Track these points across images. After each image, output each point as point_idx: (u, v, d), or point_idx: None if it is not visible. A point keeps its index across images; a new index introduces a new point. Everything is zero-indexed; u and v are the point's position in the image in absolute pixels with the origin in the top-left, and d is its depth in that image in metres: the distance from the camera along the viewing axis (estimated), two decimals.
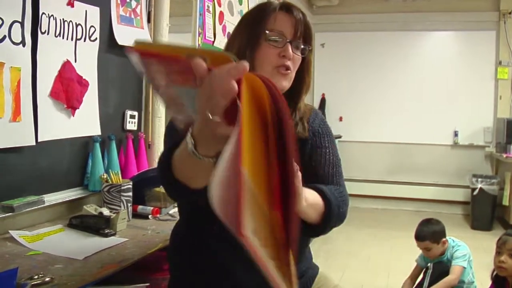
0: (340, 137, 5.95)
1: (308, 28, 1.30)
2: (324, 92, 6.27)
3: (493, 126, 5.98)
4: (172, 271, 1.47)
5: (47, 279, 1.30)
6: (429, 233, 2.95)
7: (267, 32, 1.24)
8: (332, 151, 1.41)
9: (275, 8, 1.27)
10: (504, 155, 5.28)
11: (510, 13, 5.77)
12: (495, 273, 2.46)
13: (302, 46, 1.29)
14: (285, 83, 1.27)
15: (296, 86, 1.33)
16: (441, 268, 2.92)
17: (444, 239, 2.96)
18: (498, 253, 2.38)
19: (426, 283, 2.94)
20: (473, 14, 5.92)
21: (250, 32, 1.25)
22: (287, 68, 1.25)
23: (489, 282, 2.55)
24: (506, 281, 2.39)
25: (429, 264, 3.02)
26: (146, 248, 1.65)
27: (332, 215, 1.20)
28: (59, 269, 1.40)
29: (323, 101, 6.31)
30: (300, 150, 1.34)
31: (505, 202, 5.20)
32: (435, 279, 2.89)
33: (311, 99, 6.15)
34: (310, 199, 1.14)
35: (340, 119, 6.34)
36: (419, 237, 2.99)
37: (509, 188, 5.16)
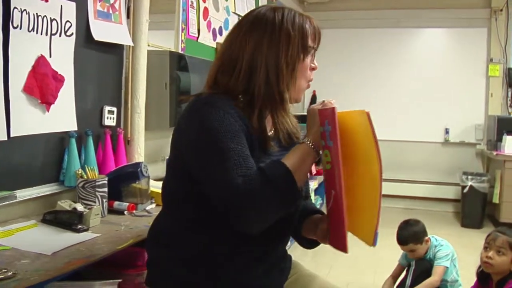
0: None
1: None
2: (315, 89, 6.26)
3: (484, 124, 5.97)
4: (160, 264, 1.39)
5: (10, 273, 1.29)
6: (410, 235, 2.93)
7: (309, 46, 1.31)
8: None
9: (308, 20, 1.32)
10: (495, 153, 5.27)
11: (501, 10, 5.74)
12: (480, 269, 2.45)
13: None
14: None
15: None
16: (423, 265, 2.91)
17: (426, 238, 2.96)
18: (486, 248, 2.37)
19: (408, 281, 2.94)
20: (465, 11, 5.90)
21: (301, 45, 1.28)
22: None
23: None
24: (490, 278, 2.39)
25: (411, 262, 3.01)
26: (116, 244, 1.65)
27: None
28: (25, 264, 1.39)
29: (314, 98, 6.29)
30: None
31: (495, 200, 5.18)
32: (417, 276, 2.89)
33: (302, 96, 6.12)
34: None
35: None
36: (402, 241, 2.97)
37: (499, 185, 5.14)
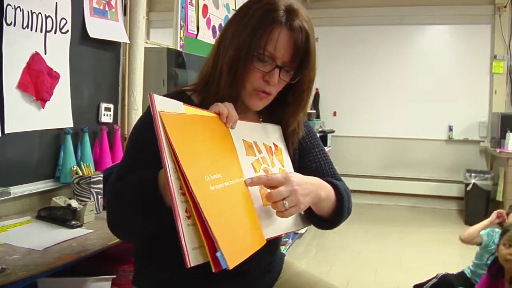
0: (333, 132, 5.92)
1: (308, 53, 1.17)
2: (318, 87, 6.25)
3: (488, 121, 5.93)
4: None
5: None
6: None
7: (259, 53, 1.13)
8: (323, 149, 1.43)
9: (279, 21, 1.13)
10: (498, 150, 5.23)
11: (505, 6, 5.70)
12: (494, 265, 2.42)
13: (293, 72, 1.19)
14: (261, 104, 1.22)
15: (290, 105, 1.28)
16: (447, 279, 2.83)
17: None
18: (505, 245, 2.33)
19: None
20: (468, 7, 5.86)
21: (245, 44, 1.13)
22: (267, 93, 1.19)
23: None
24: (502, 274, 2.36)
25: (436, 274, 2.92)
26: (108, 239, 1.65)
27: (344, 209, 1.23)
28: (16, 260, 1.40)
29: (317, 96, 6.29)
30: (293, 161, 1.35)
31: (499, 197, 5.15)
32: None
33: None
34: (323, 195, 1.16)
35: (334, 114, 6.32)
36: None
37: (503, 183, 5.11)
